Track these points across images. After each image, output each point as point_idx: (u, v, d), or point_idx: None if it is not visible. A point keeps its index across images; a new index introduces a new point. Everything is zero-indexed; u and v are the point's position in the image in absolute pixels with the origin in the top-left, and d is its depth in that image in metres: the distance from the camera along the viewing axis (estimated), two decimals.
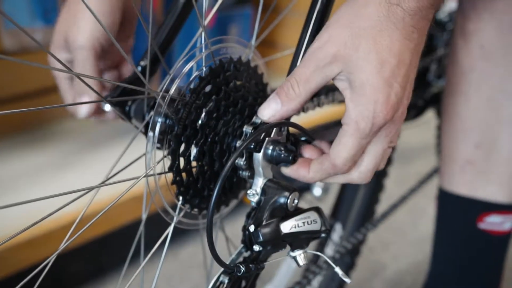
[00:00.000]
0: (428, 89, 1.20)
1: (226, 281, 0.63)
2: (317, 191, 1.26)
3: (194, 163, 0.64)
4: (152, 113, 0.64)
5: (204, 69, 0.63)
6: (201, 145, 0.63)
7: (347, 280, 0.63)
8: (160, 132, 0.62)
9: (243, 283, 0.66)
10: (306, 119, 0.80)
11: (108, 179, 0.62)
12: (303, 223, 0.62)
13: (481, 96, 0.94)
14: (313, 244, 0.66)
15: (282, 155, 0.62)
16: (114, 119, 0.78)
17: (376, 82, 0.56)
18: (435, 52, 1.19)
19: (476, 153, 0.96)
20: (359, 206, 1.21)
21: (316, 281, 1.19)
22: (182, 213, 0.65)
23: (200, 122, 0.62)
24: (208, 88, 0.62)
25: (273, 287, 1.23)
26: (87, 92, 0.72)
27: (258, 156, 0.61)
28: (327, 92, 0.77)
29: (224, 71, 0.64)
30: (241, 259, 0.64)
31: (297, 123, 0.64)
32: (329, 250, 1.20)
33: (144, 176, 0.61)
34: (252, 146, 0.61)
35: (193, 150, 0.63)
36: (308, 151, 0.66)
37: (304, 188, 1.23)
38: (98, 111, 0.75)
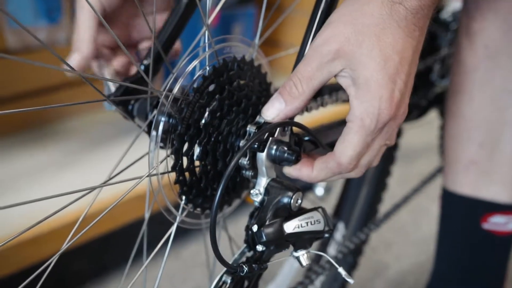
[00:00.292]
0: (431, 89, 1.19)
1: (229, 281, 0.62)
2: (319, 190, 1.26)
3: (197, 163, 0.63)
4: (155, 112, 0.64)
5: (208, 68, 0.62)
6: (205, 145, 0.62)
7: (350, 280, 0.62)
8: (163, 132, 0.61)
9: (246, 283, 0.65)
10: (310, 119, 0.80)
11: (111, 178, 0.62)
12: (307, 223, 0.62)
13: (485, 96, 0.94)
14: (315, 243, 0.65)
15: (286, 155, 0.61)
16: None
17: (381, 79, 0.56)
18: (438, 52, 1.18)
19: (480, 153, 0.96)
20: (362, 205, 1.21)
21: (318, 281, 1.19)
22: (185, 213, 0.65)
23: (203, 121, 0.62)
24: (211, 87, 0.62)
25: (276, 286, 1.23)
26: (79, 50, 0.71)
27: (262, 156, 0.61)
28: (330, 91, 0.77)
29: (227, 70, 0.64)
30: (243, 259, 0.64)
31: (301, 122, 0.64)
32: (332, 249, 1.19)
33: (147, 176, 0.61)
34: (255, 146, 0.61)
35: (196, 150, 0.62)
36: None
37: (306, 187, 1.23)
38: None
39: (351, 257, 1.21)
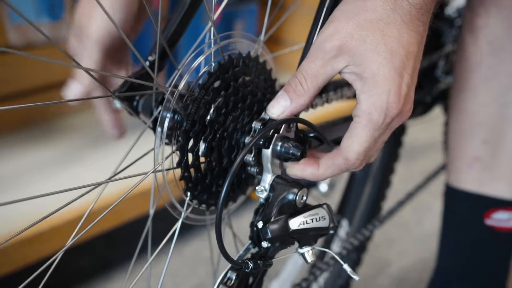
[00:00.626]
0: (435, 85, 1.19)
1: (234, 277, 0.62)
2: (323, 187, 1.26)
3: (202, 159, 0.63)
4: (160, 108, 0.64)
5: (213, 64, 0.62)
6: (210, 141, 0.62)
7: (355, 277, 0.62)
8: (169, 128, 0.61)
9: (251, 279, 0.65)
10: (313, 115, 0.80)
11: (116, 174, 0.62)
12: (312, 219, 0.62)
13: (489, 92, 0.94)
14: (319, 239, 0.65)
15: (291, 151, 0.61)
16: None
17: (388, 73, 0.56)
18: (443, 48, 1.18)
19: (484, 149, 0.96)
20: (365, 202, 1.21)
21: (322, 278, 1.19)
22: (190, 209, 0.65)
23: (208, 117, 0.62)
24: (217, 84, 0.62)
25: (280, 283, 1.23)
26: (81, 79, 0.72)
27: (267, 152, 0.61)
28: (335, 88, 0.77)
29: (233, 67, 0.64)
30: (248, 255, 0.64)
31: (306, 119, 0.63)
32: (335, 246, 1.19)
33: (153, 172, 0.61)
34: (261, 142, 0.61)
35: (202, 146, 0.62)
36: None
37: (310, 184, 1.23)
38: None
39: (355, 254, 1.21)
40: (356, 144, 0.58)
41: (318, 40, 0.59)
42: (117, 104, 0.73)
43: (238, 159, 0.56)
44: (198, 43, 0.65)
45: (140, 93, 0.68)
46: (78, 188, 0.54)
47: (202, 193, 0.65)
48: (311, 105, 0.70)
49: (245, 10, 1.93)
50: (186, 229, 1.61)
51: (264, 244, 0.60)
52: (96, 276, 1.45)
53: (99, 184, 0.57)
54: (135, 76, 0.70)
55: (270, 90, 0.70)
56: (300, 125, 0.65)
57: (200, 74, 0.62)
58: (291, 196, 0.61)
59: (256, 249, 0.63)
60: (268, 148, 0.61)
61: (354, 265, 1.22)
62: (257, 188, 0.63)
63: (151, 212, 0.67)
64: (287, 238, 0.61)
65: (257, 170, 0.64)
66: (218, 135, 0.63)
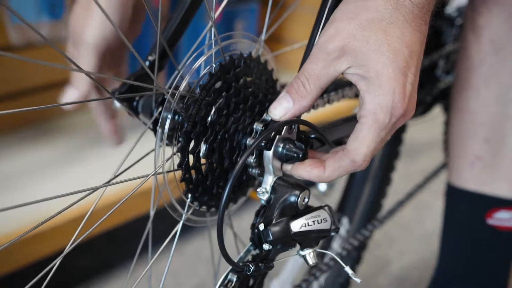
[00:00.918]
0: (436, 85, 1.19)
1: (235, 279, 0.62)
2: (322, 186, 1.26)
3: (203, 160, 0.63)
4: (160, 109, 0.64)
5: (214, 65, 0.62)
6: (211, 142, 0.62)
7: (357, 280, 0.62)
8: (169, 129, 0.61)
9: (251, 281, 0.65)
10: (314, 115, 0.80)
11: (115, 176, 0.61)
12: (313, 221, 0.61)
13: (491, 91, 0.94)
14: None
15: (293, 153, 0.61)
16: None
17: (392, 72, 0.55)
18: (443, 48, 1.18)
19: (485, 148, 0.96)
20: (366, 200, 1.20)
21: (322, 277, 1.18)
22: (190, 211, 0.65)
23: (209, 119, 0.61)
24: (218, 85, 0.62)
25: (280, 283, 1.23)
26: (78, 85, 0.72)
27: (269, 154, 0.61)
28: (336, 88, 0.77)
29: (234, 67, 0.63)
30: (249, 257, 0.64)
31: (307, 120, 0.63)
32: (336, 244, 1.19)
33: (153, 174, 0.60)
34: (262, 144, 0.61)
35: (203, 147, 0.62)
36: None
37: (308, 183, 1.22)
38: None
39: (355, 252, 1.21)
40: (364, 145, 0.58)
41: (320, 41, 0.58)
42: (117, 104, 0.73)
43: (240, 162, 0.56)
44: (198, 43, 0.65)
45: (140, 94, 0.68)
46: (77, 192, 0.53)
47: (203, 194, 0.65)
48: (313, 106, 0.70)
49: (246, 9, 1.92)
50: (187, 228, 1.60)
51: (266, 246, 0.60)
52: (96, 276, 1.45)
53: (97, 188, 0.57)
54: (134, 77, 0.70)
55: (271, 90, 0.69)
56: (301, 126, 0.64)
57: (201, 75, 0.61)
58: (292, 198, 0.61)
59: (257, 251, 0.63)
60: (269, 149, 0.61)
61: (355, 264, 1.22)
62: (258, 190, 0.62)
63: (152, 213, 0.67)
64: (288, 240, 0.61)
65: (259, 171, 0.63)
66: (219, 137, 0.63)
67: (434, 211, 1.84)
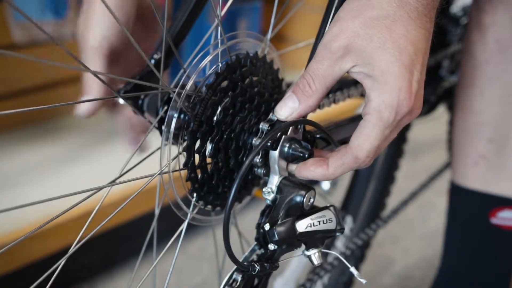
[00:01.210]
0: (440, 84, 1.19)
1: (240, 279, 0.62)
2: (325, 185, 1.26)
3: (208, 160, 0.63)
4: (166, 108, 0.64)
5: (220, 64, 0.62)
6: (217, 142, 0.62)
7: (362, 281, 0.62)
8: (175, 128, 0.61)
9: (256, 281, 0.65)
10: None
11: (121, 176, 0.61)
12: (319, 222, 0.61)
13: (495, 90, 0.94)
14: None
15: (299, 153, 0.61)
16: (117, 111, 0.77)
17: (397, 70, 0.55)
18: (448, 47, 1.17)
19: (489, 148, 0.96)
20: (370, 198, 1.20)
21: (326, 276, 1.18)
22: (196, 210, 0.65)
23: (215, 118, 0.61)
24: (224, 84, 0.62)
25: (284, 281, 1.23)
26: (92, 91, 0.71)
27: (275, 154, 0.61)
28: (342, 88, 0.77)
29: (240, 67, 0.63)
30: (254, 256, 0.64)
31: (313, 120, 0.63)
32: (340, 243, 1.19)
33: (159, 173, 0.60)
34: (268, 144, 0.61)
35: (208, 147, 0.62)
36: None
37: (312, 181, 1.22)
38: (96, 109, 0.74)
39: (359, 251, 1.21)
40: (367, 142, 0.57)
41: (324, 39, 0.58)
42: (122, 102, 0.72)
43: (246, 162, 0.56)
44: (203, 42, 0.65)
45: (146, 93, 0.68)
46: (82, 192, 0.53)
47: (208, 194, 0.64)
48: (319, 105, 0.69)
49: (249, 8, 1.92)
50: (189, 228, 1.60)
51: (271, 246, 0.60)
52: (99, 274, 1.45)
53: (102, 188, 0.57)
54: (140, 75, 0.70)
55: (277, 90, 0.69)
56: (307, 126, 0.64)
57: (207, 74, 0.61)
58: (298, 198, 0.61)
59: (262, 250, 0.62)
60: (275, 149, 0.61)
61: (358, 262, 1.22)
62: (264, 189, 0.62)
63: (157, 212, 0.67)
64: (294, 240, 0.61)
65: (264, 171, 0.63)
66: (225, 136, 0.62)
67: (438, 210, 1.84)
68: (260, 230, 0.61)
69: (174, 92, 0.60)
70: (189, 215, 0.64)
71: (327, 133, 0.66)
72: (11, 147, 1.38)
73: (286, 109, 0.59)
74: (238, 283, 0.62)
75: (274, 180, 0.62)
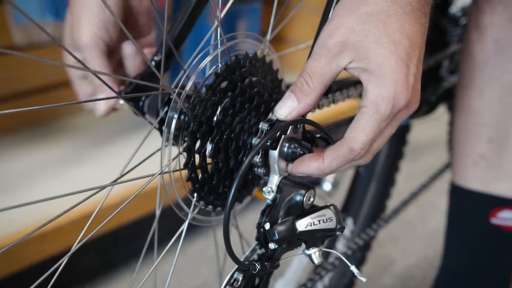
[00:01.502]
0: (440, 84, 1.19)
1: (241, 278, 0.62)
2: (326, 186, 1.26)
3: (209, 160, 0.63)
4: (166, 109, 0.64)
5: (220, 65, 0.62)
6: (217, 142, 0.62)
7: (363, 279, 0.62)
8: (175, 129, 0.61)
9: (257, 280, 0.65)
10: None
11: (122, 176, 0.62)
12: (319, 221, 0.61)
13: (494, 91, 0.94)
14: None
15: (298, 152, 0.61)
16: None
17: (394, 63, 0.55)
18: (448, 48, 1.18)
19: (489, 148, 0.96)
20: (370, 200, 1.20)
21: (327, 277, 1.19)
22: (196, 210, 0.65)
23: (215, 118, 0.61)
24: (223, 85, 0.62)
25: (285, 282, 1.23)
26: (103, 90, 0.71)
27: (274, 154, 0.61)
28: (341, 88, 0.77)
29: (240, 67, 0.63)
30: (255, 256, 0.64)
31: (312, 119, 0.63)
32: (340, 244, 1.19)
33: (160, 174, 0.60)
34: (268, 144, 0.61)
35: (208, 147, 0.62)
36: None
37: (313, 182, 1.22)
38: (114, 107, 0.75)
39: (360, 252, 1.21)
40: (362, 134, 0.57)
41: (321, 37, 0.58)
42: (123, 103, 0.73)
43: (246, 162, 0.56)
44: (204, 43, 0.65)
45: (147, 94, 0.68)
46: (82, 191, 0.54)
47: (208, 194, 0.65)
48: (318, 105, 0.70)
49: (248, 9, 1.92)
50: (190, 228, 1.61)
51: (271, 245, 0.60)
52: (99, 276, 1.45)
53: (103, 187, 0.57)
54: (141, 77, 0.70)
55: (276, 90, 0.69)
56: (306, 126, 0.64)
57: (207, 74, 0.62)
58: (298, 197, 0.61)
59: (263, 250, 0.63)
60: (275, 149, 0.61)
61: (359, 264, 1.22)
62: (264, 189, 0.62)
63: (157, 213, 0.67)
64: (294, 239, 0.61)
65: (264, 171, 0.63)
66: (225, 136, 0.63)
67: (438, 210, 1.84)
68: (260, 229, 0.61)
69: (174, 92, 0.60)
70: (189, 215, 0.65)
71: (326, 132, 0.66)
72: (12, 149, 1.38)
73: (285, 109, 0.59)
74: (239, 283, 0.62)
75: (274, 180, 0.62)
